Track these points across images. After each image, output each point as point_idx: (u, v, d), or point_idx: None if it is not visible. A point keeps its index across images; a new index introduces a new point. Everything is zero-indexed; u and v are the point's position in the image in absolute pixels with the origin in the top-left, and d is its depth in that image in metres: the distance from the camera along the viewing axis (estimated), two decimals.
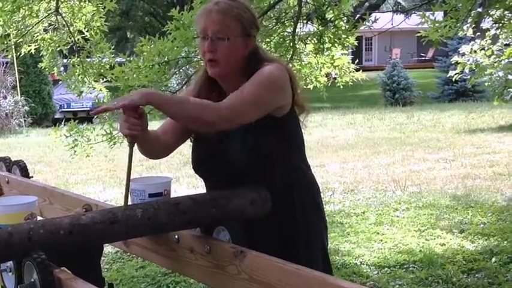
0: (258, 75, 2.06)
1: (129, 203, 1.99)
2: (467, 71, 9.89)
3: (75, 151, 5.08)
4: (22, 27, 5.83)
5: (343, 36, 4.84)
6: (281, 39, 4.95)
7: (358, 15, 5.32)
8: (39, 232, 1.73)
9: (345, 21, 4.90)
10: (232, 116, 1.99)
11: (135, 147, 2.00)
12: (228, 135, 2.08)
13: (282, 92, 2.10)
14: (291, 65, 4.73)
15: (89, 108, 19.13)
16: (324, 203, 2.32)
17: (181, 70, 5.29)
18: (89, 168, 10.17)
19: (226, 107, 1.98)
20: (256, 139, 2.06)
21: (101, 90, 5.85)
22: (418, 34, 4.90)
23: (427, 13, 4.71)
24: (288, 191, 2.13)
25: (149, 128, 2.04)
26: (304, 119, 2.22)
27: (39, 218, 2.08)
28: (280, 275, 1.72)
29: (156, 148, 2.20)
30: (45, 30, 6.06)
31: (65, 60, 6.46)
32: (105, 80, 5.70)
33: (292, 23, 4.90)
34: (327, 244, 2.30)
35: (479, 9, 4.91)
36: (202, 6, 4.28)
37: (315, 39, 4.91)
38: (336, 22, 4.84)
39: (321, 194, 2.33)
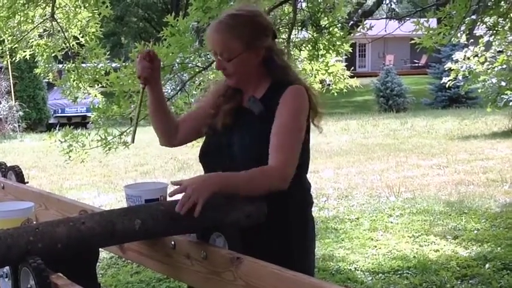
0: (286, 117, 2.10)
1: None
2: (460, 77, 9.94)
3: (69, 156, 5.07)
4: (17, 32, 5.83)
5: (338, 43, 4.86)
6: None
7: (351, 22, 5.35)
8: (38, 246, 1.74)
9: (339, 28, 4.92)
10: (287, 172, 2.05)
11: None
12: (235, 132, 2.17)
13: (305, 119, 2.16)
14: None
15: (83, 114, 19.14)
16: (318, 208, 2.34)
17: (176, 76, 5.29)
18: (84, 174, 10.16)
19: (277, 170, 2.04)
20: (259, 144, 2.10)
21: (95, 95, 5.86)
22: (412, 41, 4.93)
23: (421, 20, 4.75)
24: (283, 202, 2.14)
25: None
26: (318, 123, 2.25)
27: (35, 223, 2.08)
28: (277, 282, 1.72)
29: (169, 123, 2.33)
30: (41, 36, 6.07)
31: (60, 66, 6.46)
32: (100, 85, 5.71)
33: (287, 30, 4.92)
34: (314, 259, 2.34)
35: (473, 17, 4.94)
36: (196, 12, 4.33)
37: (309, 45, 4.94)
38: (331, 29, 4.87)
39: (315, 201, 2.35)
